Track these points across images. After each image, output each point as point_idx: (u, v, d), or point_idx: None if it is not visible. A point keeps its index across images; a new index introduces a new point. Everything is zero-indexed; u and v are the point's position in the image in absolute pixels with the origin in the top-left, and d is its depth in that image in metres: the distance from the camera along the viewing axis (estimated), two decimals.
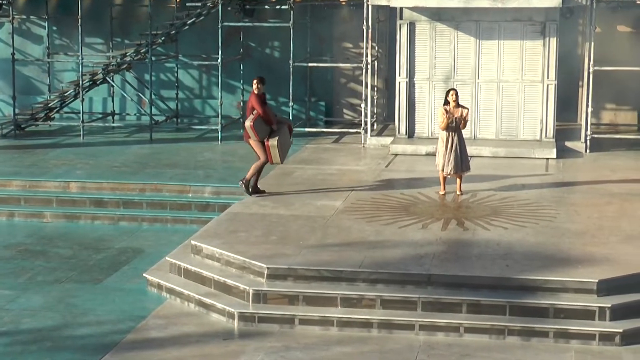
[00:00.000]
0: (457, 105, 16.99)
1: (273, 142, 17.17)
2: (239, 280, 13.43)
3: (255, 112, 17.07)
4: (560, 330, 12.32)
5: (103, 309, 13.50)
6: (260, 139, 17.13)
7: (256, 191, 17.48)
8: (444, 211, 16.32)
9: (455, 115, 16.91)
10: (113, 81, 24.67)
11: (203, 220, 17.28)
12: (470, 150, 20.82)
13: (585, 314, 12.44)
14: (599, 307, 12.45)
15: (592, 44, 21.51)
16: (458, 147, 17.02)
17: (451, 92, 17.05)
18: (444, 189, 17.32)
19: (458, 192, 17.29)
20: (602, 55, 22.23)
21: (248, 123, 17.08)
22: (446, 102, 17.06)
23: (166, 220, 18.05)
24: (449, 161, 17.00)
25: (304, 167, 19.93)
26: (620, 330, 12.21)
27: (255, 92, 17.11)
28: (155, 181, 18.88)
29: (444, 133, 17.01)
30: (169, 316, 13.24)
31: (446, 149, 17.00)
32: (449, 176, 17.25)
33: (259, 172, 17.48)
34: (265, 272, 13.33)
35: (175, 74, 25.25)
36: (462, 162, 17.13)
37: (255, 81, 17.15)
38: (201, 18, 23.82)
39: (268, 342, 12.32)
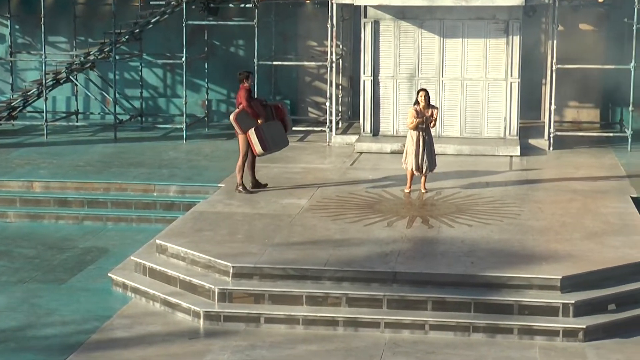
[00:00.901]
0: (428, 105, 17.07)
1: (251, 131, 17.12)
2: (205, 279, 13.41)
3: (240, 105, 17.08)
4: (525, 326, 12.40)
5: (68, 309, 13.44)
6: (243, 132, 17.13)
7: (257, 185, 17.60)
8: (409, 209, 16.37)
9: (426, 115, 17.01)
10: (77, 80, 24.53)
11: (168, 219, 17.24)
12: (435, 148, 20.91)
13: (549, 311, 12.53)
14: (563, 303, 12.54)
15: (555, 42, 21.64)
16: (429, 145, 17.17)
17: (421, 93, 17.13)
18: (410, 187, 17.36)
19: (423, 190, 17.31)
20: (565, 53, 22.37)
21: (232, 116, 17.11)
22: (416, 102, 17.12)
23: (131, 219, 17.98)
24: (423, 160, 17.11)
25: (269, 165, 19.91)
26: (584, 327, 12.31)
27: (247, 86, 17.20)
28: (120, 180, 18.81)
29: (415, 132, 17.09)
30: (134, 316, 13.20)
31: (418, 148, 17.07)
32: (417, 174, 17.29)
33: (252, 167, 17.56)
34: (231, 271, 13.32)
35: (140, 73, 25.15)
36: (432, 160, 17.30)
37: (245, 75, 17.25)
38: (165, 17, 23.75)
39: (234, 341, 12.32)
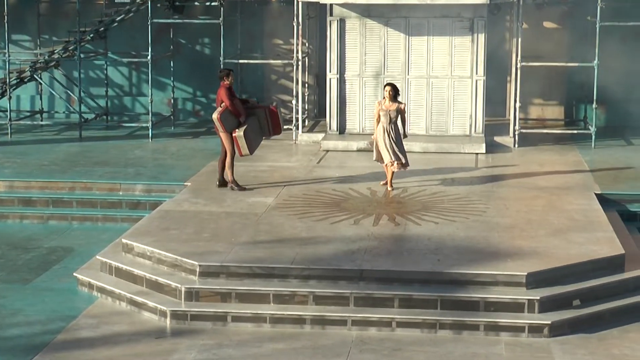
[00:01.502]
0: (393, 100, 17.13)
1: (239, 133, 17.13)
2: (171, 278, 13.38)
3: (223, 104, 17.03)
4: (491, 323, 12.46)
5: (33, 309, 13.37)
6: (227, 131, 17.12)
7: (223, 184, 17.60)
8: (376, 207, 16.41)
9: (389, 109, 17.08)
10: (41, 79, 24.40)
11: (134, 218, 17.18)
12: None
13: (515, 307, 12.61)
14: (528, 299, 12.62)
15: (520, 40, 21.75)
16: (397, 141, 17.22)
17: (387, 88, 17.23)
18: (391, 181, 17.48)
19: (389, 188, 17.40)
20: (530, 51, 22.50)
21: (215, 115, 17.06)
22: (383, 97, 17.32)
23: (96, 218, 17.91)
24: (394, 152, 17.17)
25: (236, 164, 19.84)
26: (549, 322, 12.39)
27: (227, 84, 17.18)
28: (85, 179, 18.72)
29: (380, 127, 17.17)
30: (100, 315, 13.15)
31: (384, 142, 17.15)
32: (392, 168, 17.35)
33: (223, 165, 17.59)
34: (198, 270, 13.30)
35: (105, 72, 25.04)
36: (405, 156, 17.40)
37: (225, 73, 17.24)
38: (130, 15, 23.66)
39: (200, 339, 12.30)
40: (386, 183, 17.51)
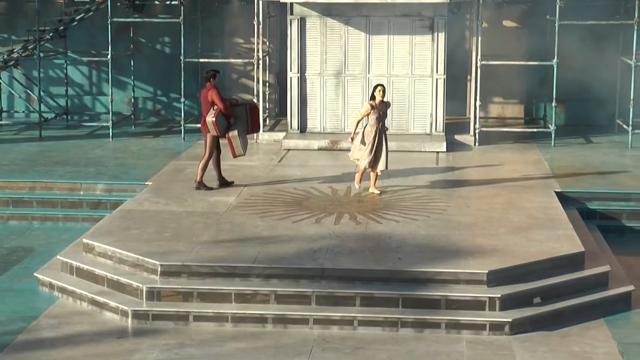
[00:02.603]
0: (383, 101, 16.84)
1: (234, 133, 17.07)
2: (132, 277, 13.34)
3: (216, 107, 16.94)
4: (452, 321, 12.52)
5: None
6: (221, 134, 17.04)
7: (224, 183, 17.54)
8: (337, 205, 16.43)
9: (381, 110, 16.77)
10: (0, 78, 24.21)
11: (95, 218, 17.11)
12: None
13: (476, 305, 12.67)
14: (489, 297, 12.69)
15: (479, 38, 21.86)
16: (385, 144, 16.91)
17: (379, 88, 16.81)
18: (360, 181, 17.25)
19: (375, 191, 17.09)
20: (489, 49, 22.62)
21: (210, 118, 16.95)
22: (372, 97, 16.83)
23: (57, 218, 17.81)
24: (383, 157, 16.84)
25: (197, 163, 19.80)
26: (510, 320, 12.47)
27: (213, 85, 17.07)
28: (46, 179, 18.60)
29: (373, 129, 16.73)
30: (61, 315, 13.08)
31: (373, 145, 16.73)
32: (368, 171, 17.02)
33: (218, 166, 17.49)
34: (159, 269, 13.27)
35: (65, 71, 24.90)
36: (386, 159, 17.03)
37: (212, 74, 17.16)
38: (90, 14, 23.54)
39: (162, 339, 12.27)
40: (359, 184, 17.20)
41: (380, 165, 16.94)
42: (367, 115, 16.77)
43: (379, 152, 16.86)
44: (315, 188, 17.61)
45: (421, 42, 21.82)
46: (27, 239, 16.77)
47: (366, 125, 16.87)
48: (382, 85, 16.93)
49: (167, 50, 25.11)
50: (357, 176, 17.28)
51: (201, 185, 17.41)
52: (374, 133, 16.75)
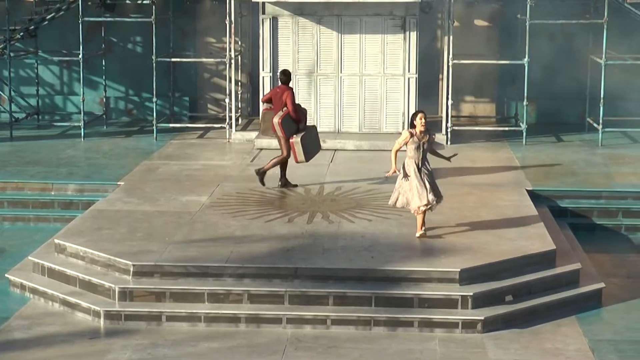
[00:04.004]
0: (426, 130, 14.43)
1: (297, 139, 16.96)
2: (105, 278, 13.30)
3: (285, 108, 16.87)
4: (425, 319, 12.56)
5: None
6: (286, 137, 16.96)
7: (286, 184, 17.43)
8: (310, 205, 16.44)
9: (422, 140, 14.38)
10: None
11: (67, 218, 17.04)
12: (334, 144, 21.10)
13: (448, 303, 12.72)
14: (462, 295, 12.74)
15: (451, 37, 21.93)
16: (431, 176, 14.54)
17: (420, 115, 14.33)
18: (423, 225, 14.51)
19: (420, 231, 14.46)
20: (461, 49, 22.69)
21: (277, 120, 16.86)
22: (412, 125, 14.42)
23: (28, 219, 17.73)
24: (428, 192, 14.35)
25: (169, 162, 19.83)
26: (482, 318, 12.52)
27: (289, 87, 17.03)
28: (17, 179, 18.51)
29: (412, 162, 14.37)
30: (32, 316, 13.03)
31: (420, 182, 14.33)
32: (425, 209, 14.39)
33: (283, 167, 17.40)
34: (131, 270, 13.24)
35: (36, 70, 24.78)
36: (437, 191, 14.61)
37: (288, 74, 17.10)
38: (61, 13, 23.43)
39: (135, 339, 12.25)
40: (424, 229, 14.48)
41: (413, 204, 14.40)
42: (406, 144, 14.43)
43: (426, 187, 14.39)
44: (287, 187, 17.59)
45: (393, 41, 21.87)
46: None
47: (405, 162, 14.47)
48: (423, 112, 14.48)
49: (139, 49, 25.04)
50: (418, 222, 14.45)
51: (261, 175, 17.28)
52: (413, 167, 14.36)
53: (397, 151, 14.55)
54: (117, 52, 24.92)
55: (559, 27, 23.32)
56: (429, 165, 14.55)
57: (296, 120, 17.03)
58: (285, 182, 17.52)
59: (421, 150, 14.37)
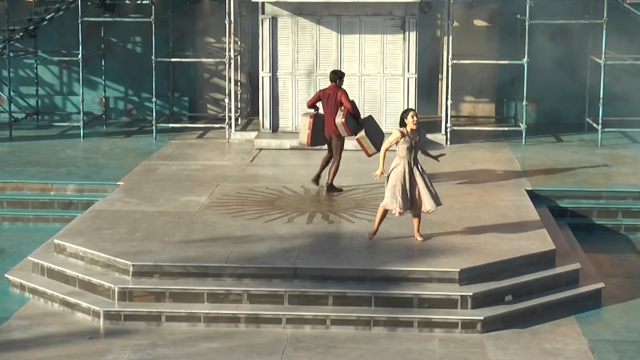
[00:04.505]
0: (417, 130, 14.01)
1: (362, 135, 16.93)
2: (104, 278, 13.30)
3: (343, 107, 16.83)
4: (425, 319, 12.57)
5: None
6: (351, 134, 16.93)
7: (317, 180, 17.33)
8: (309, 205, 16.44)
9: (414, 139, 13.96)
10: None
11: (66, 218, 17.04)
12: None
13: (448, 303, 12.72)
14: (461, 295, 12.74)
15: (450, 37, 21.93)
16: (426, 179, 14.06)
17: (411, 113, 13.90)
18: (376, 230, 14.30)
19: (419, 238, 14.22)
20: (460, 49, 22.70)
21: (340, 119, 16.83)
22: (403, 124, 14.02)
23: (28, 219, 17.73)
24: (426, 195, 13.97)
25: (168, 162, 19.83)
26: (481, 318, 12.53)
27: (340, 86, 16.96)
28: (16, 179, 18.51)
29: (401, 164, 13.94)
30: (32, 317, 13.03)
31: (405, 183, 13.91)
32: (404, 214, 14.10)
33: (323, 167, 17.37)
34: (131, 270, 13.24)
35: (35, 70, 24.78)
36: (433, 194, 14.08)
37: (340, 75, 17.04)
38: (60, 13, 23.43)
39: (134, 339, 12.25)
40: (374, 233, 14.35)
41: (427, 205, 13.99)
42: (396, 143, 14.01)
43: (414, 190, 13.99)
44: (287, 187, 17.61)
45: (392, 41, 21.88)
46: None
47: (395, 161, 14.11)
48: (414, 110, 14.14)
49: (138, 49, 25.03)
50: (376, 221, 14.34)
51: (332, 189, 17.14)
52: (402, 167, 13.94)
53: (386, 151, 14.16)
54: (116, 52, 24.92)
55: (559, 27, 23.32)
56: (421, 165, 14.21)
57: (355, 116, 17.03)
58: (318, 180, 17.40)
59: (413, 149, 13.99)
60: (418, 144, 14.03)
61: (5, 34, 22.78)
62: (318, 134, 17.23)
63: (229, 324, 12.65)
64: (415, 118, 13.87)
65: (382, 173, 14.22)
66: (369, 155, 17.28)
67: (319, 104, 17.26)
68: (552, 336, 12.41)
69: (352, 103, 16.98)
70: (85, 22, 22.67)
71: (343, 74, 17.22)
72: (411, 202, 14.03)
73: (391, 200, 13.98)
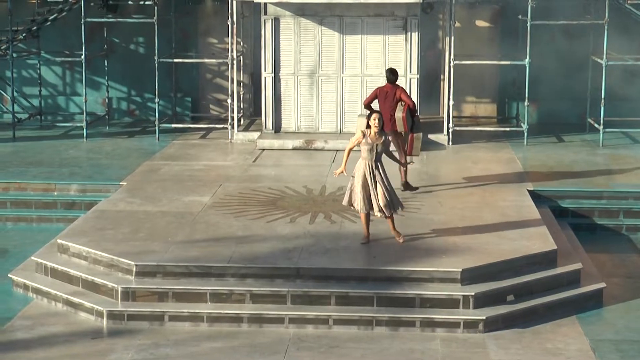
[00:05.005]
0: (381, 132, 13.95)
1: (419, 135, 17.09)
2: (107, 278, 13.34)
3: (404, 104, 16.92)
4: (427, 319, 12.60)
5: None
6: (408, 130, 16.99)
7: (409, 187, 17.28)
8: (312, 205, 16.47)
9: (375, 142, 13.89)
10: None
11: (69, 218, 17.08)
12: (336, 144, 21.11)
13: (450, 303, 12.75)
14: (463, 295, 12.77)
15: (452, 38, 21.96)
16: (384, 181, 13.96)
17: (374, 116, 13.85)
18: (368, 234, 14.19)
19: (398, 239, 14.18)
20: (462, 49, 22.73)
21: (401, 113, 16.91)
22: (368, 126, 13.96)
23: (31, 219, 17.77)
24: (375, 199, 13.91)
25: (171, 163, 19.86)
26: (483, 318, 12.56)
27: (392, 84, 17.05)
28: (19, 180, 18.55)
29: (361, 166, 13.93)
30: (35, 317, 13.07)
31: (366, 186, 13.90)
32: (378, 216, 14.04)
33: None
34: (134, 270, 13.28)
35: (38, 71, 24.82)
36: (394, 198, 14.10)
37: (394, 73, 17.11)
38: (63, 14, 23.46)
39: (137, 339, 12.28)
40: (366, 238, 14.17)
41: (376, 209, 13.95)
42: (358, 144, 14.05)
43: (367, 191, 13.95)
44: (289, 187, 17.64)
45: (395, 42, 21.90)
46: (0, 240, 16.73)
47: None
48: (379, 113, 14.03)
49: (141, 50, 25.07)
50: (363, 227, 14.27)
51: (407, 186, 17.14)
52: (363, 169, 13.91)
53: (349, 150, 14.19)
54: (119, 53, 24.96)
55: (560, 28, 23.35)
56: (383, 169, 13.98)
57: (412, 114, 17.09)
58: (407, 183, 17.25)
59: (374, 152, 13.85)
60: (380, 147, 13.91)
61: (9, 34, 22.83)
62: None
63: (231, 324, 12.69)
64: (376, 121, 13.81)
65: (342, 172, 14.34)
66: (411, 155, 17.35)
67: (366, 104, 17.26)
68: (553, 336, 12.44)
69: (412, 99, 17.13)
70: (88, 22, 22.70)
71: (398, 73, 17.33)
72: (369, 202, 13.99)
73: (349, 199, 14.12)
